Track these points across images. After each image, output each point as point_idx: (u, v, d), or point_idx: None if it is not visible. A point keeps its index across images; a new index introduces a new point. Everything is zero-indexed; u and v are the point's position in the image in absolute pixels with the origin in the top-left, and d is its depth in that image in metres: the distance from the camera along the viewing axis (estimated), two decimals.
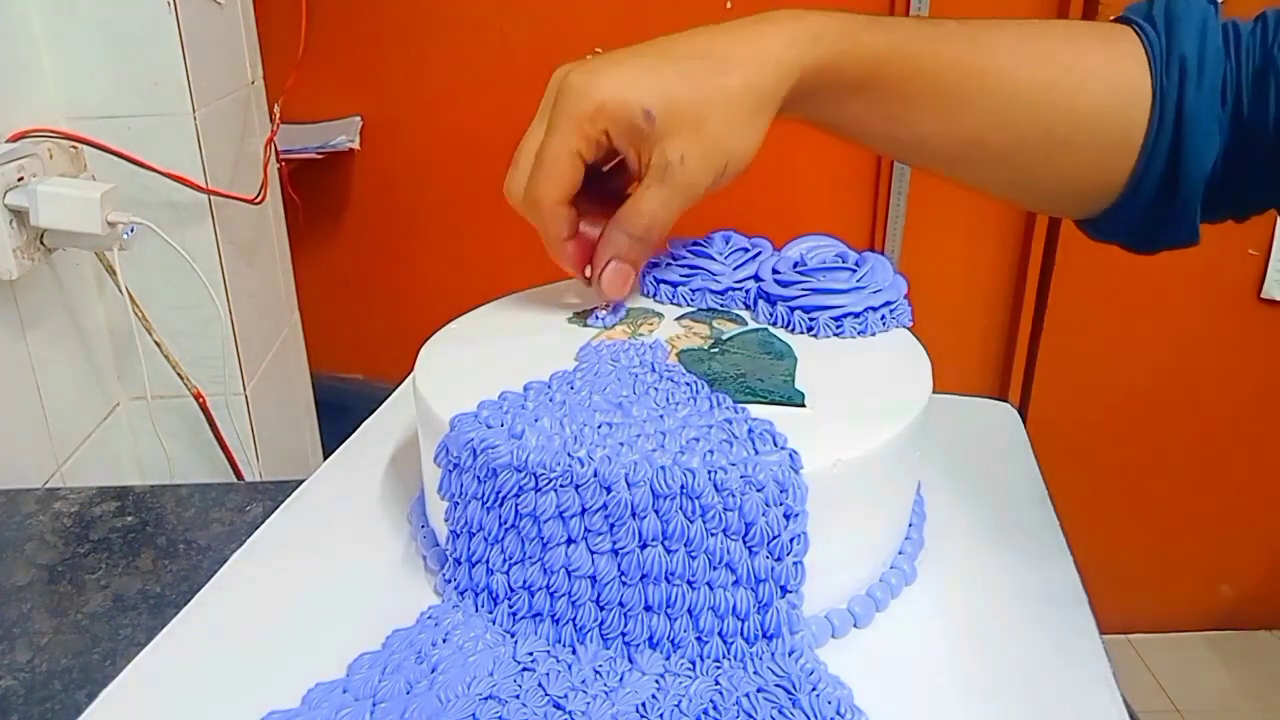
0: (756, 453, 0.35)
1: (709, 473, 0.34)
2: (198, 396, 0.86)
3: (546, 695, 0.33)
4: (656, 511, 0.34)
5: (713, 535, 0.34)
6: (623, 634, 0.35)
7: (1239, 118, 0.45)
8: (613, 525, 0.34)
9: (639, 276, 0.48)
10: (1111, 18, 0.49)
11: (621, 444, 0.35)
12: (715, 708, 0.33)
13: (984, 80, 0.45)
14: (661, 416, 0.37)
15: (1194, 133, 0.44)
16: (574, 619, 0.36)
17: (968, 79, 0.45)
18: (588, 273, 0.46)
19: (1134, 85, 0.45)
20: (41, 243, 0.73)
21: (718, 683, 0.34)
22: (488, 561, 0.37)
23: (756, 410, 0.38)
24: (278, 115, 1.01)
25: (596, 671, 0.34)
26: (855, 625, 0.38)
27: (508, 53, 1.43)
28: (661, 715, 0.33)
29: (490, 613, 0.37)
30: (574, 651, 0.35)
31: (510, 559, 0.36)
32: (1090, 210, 0.50)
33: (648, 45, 0.43)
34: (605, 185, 0.46)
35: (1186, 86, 0.44)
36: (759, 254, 0.50)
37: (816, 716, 0.32)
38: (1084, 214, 0.51)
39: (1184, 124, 0.45)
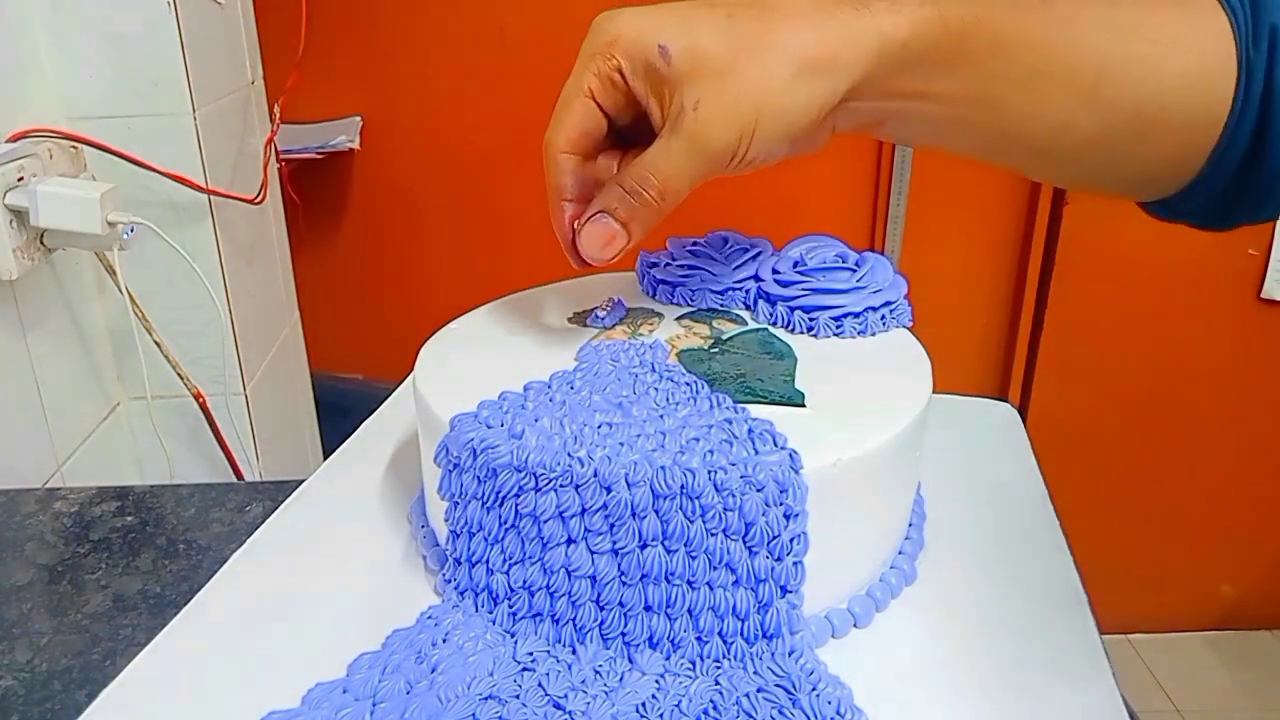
0: (756, 453, 0.35)
1: (709, 473, 0.34)
2: (198, 396, 0.86)
3: (546, 695, 0.33)
4: (656, 511, 0.34)
5: (713, 535, 0.34)
6: (623, 634, 0.35)
7: None
8: (613, 525, 0.34)
9: (629, 244, 0.40)
10: None
11: (621, 444, 0.35)
12: (715, 708, 0.33)
13: (1071, 57, 0.40)
14: (661, 416, 0.37)
15: None
16: (574, 619, 0.36)
17: (1055, 55, 0.40)
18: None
19: (1219, 56, 0.42)
20: (41, 243, 0.73)
21: (718, 683, 0.34)
22: (488, 561, 0.37)
23: (756, 410, 0.38)
24: (278, 115, 1.01)
25: (596, 671, 0.34)
26: (855, 625, 0.38)
27: (508, 53, 1.43)
28: (661, 715, 0.33)
29: (490, 613, 0.37)
30: (574, 651, 0.35)
31: (510, 559, 0.36)
32: (1167, 190, 0.46)
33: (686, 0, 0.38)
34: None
35: (1276, 57, 0.41)
36: (759, 254, 0.50)
37: (816, 716, 0.32)
38: (1160, 195, 0.47)
39: (1273, 96, 0.41)
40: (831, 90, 0.37)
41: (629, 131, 0.41)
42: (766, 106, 0.36)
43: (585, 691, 0.33)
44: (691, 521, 0.34)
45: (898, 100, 0.39)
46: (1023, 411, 1.62)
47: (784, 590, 0.35)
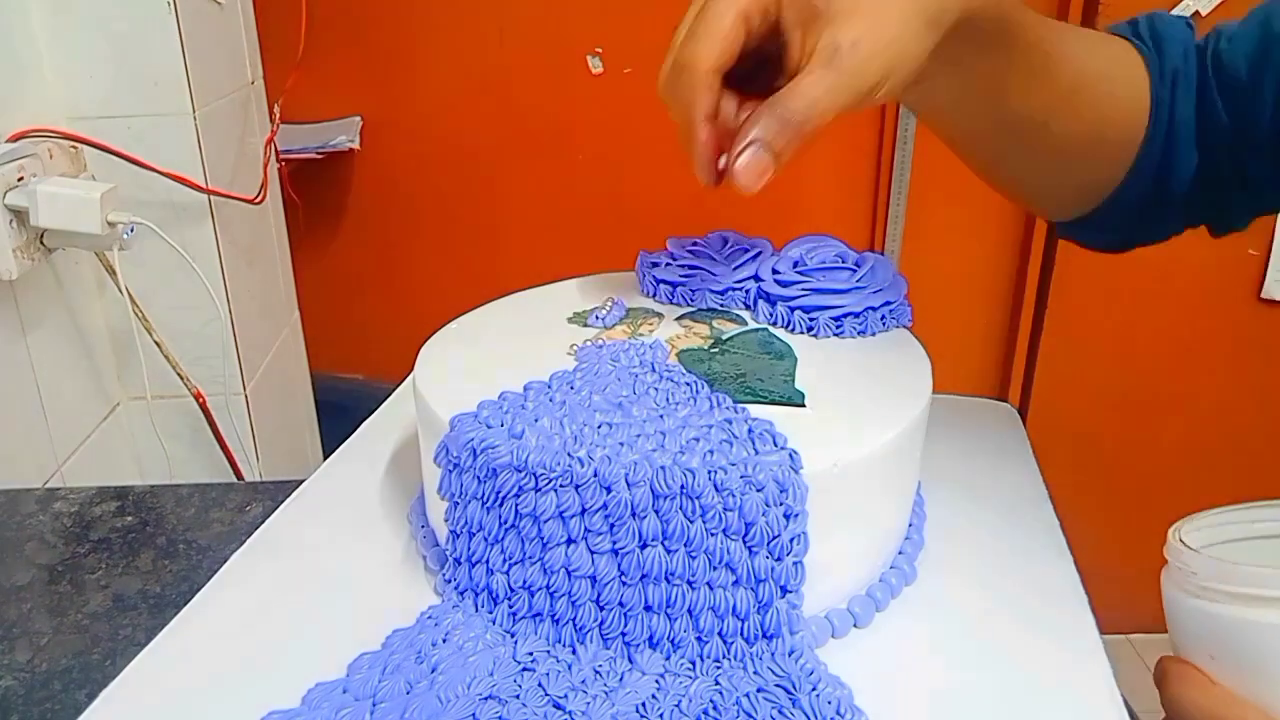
0: (756, 453, 0.35)
1: (709, 473, 0.34)
2: (198, 396, 0.86)
3: (546, 695, 0.33)
4: (656, 511, 0.34)
5: (713, 535, 0.34)
6: (623, 634, 0.35)
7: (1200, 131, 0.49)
8: (613, 525, 0.34)
9: (773, 171, 0.39)
10: (1104, 28, 0.52)
11: (621, 444, 0.35)
12: (715, 708, 0.33)
13: (1061, 64, 0.46)
14: (661, 416, 0.37)
15: (1183, 140, 0.48)
16: (574, 619, 0.36)
17: (1052, 60, 0.45)
18: (720, 165, 0.40)
19: (1142, 90, 0.48)
20: (41, 243, 0.73)
21: (718, 683, 0.34)
22: (488, 561, 0.37)
23: (756, 410, 0.38)
24: (278, 115, 1.02)
25: (596, 671, 0.34)
26: (855, 625, 0.38)
27: (507, 53, 1.43)
28: (661, 715, 0.33)
29: (490, 613, 0.37)
30: (574, 651, 0.35)
31: (510, 559, 0.36)
32: (1079, 210, 0.52)
33: None
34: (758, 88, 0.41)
35: (1178, 98, 0.48)
36: (759, 254, 0.50)
37: (816, 716, 0.32)
38: (1075, 213, 0.53)
39: (1175, 131, 0.48)
40: (937, 38, 0.39)
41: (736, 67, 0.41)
42: (907, 55, 0.38)
43: (585, 691, 0.33)
44: (691, 521, 0.34)
45: (944, 63, 0.41)
46: (1023, 411, 1.62)
47: (784, 590, 0.35)
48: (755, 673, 0.34)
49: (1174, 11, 1.32)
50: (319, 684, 0.35)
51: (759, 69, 0.40)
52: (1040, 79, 0.46)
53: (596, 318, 0.46)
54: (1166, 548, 0.37)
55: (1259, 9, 0.48)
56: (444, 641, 0.36)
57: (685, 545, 0.34)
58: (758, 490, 0.34)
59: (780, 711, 0.33)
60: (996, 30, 0.42)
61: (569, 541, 0.35)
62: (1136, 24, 0.51)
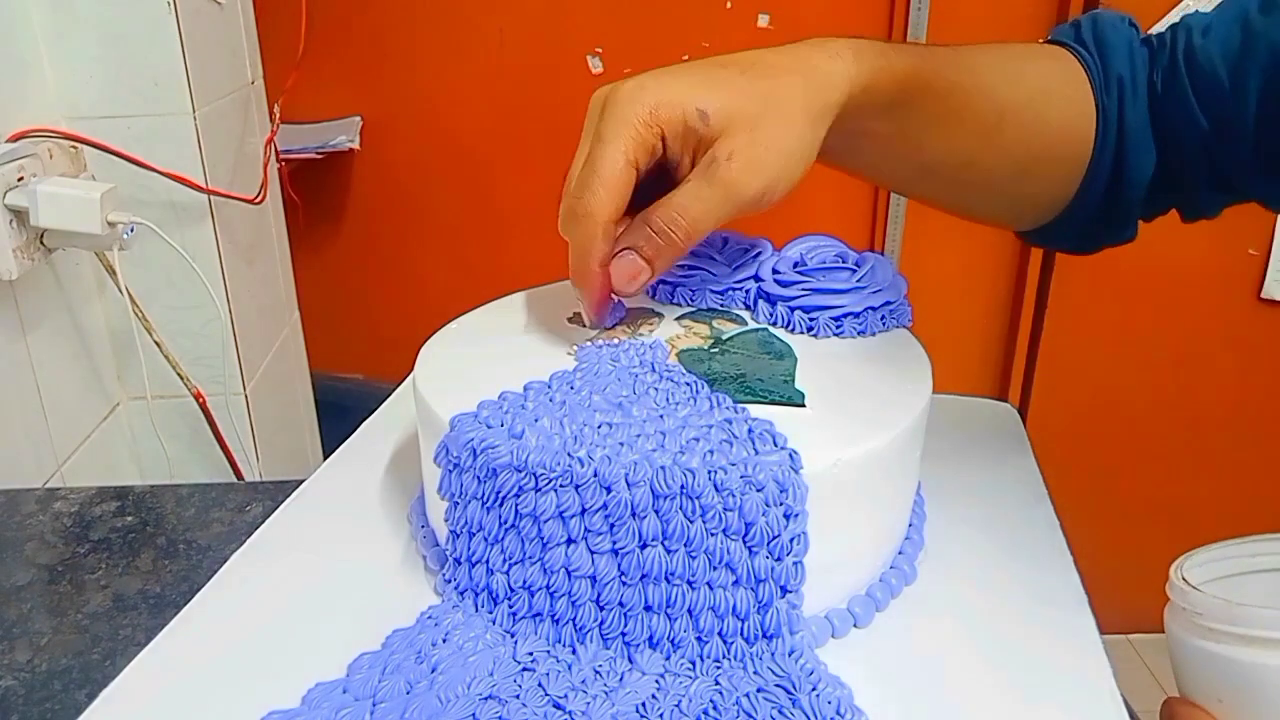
0: (756, 453, 0.35)
1: (709, 473, 0.34)
2: (198, 396, 0.86)
3: (546, 695, 0.33)
4: (656, 511, 0.34)
5: (713, 535, 0.34)
6: (623, 634, 0.35)
7: (1158, 128, 0.48)
8: (613, 525, 0.34)
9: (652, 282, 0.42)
10: (1041, 40, 0.52)
11: (621, 444, 0.35)
12: (715, 708, 0.33)
13: (980, 101, 0.46)
14: (661, 416, 0.37)
15: (1135, 146, 0.48)
16: (574, 619, 0.36)
17: (970, 100, 0.46)
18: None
19: (1083, 103, 0.48)
20: (41, 243, 0.73)
21: (718, 683, 0.34)
22: (488, 561, 0.37)
23: (756, 410, 0.38)
24: (278, 115, 1.01)
25: (596, 671, 0.34)
26: (855, 625, 0.38)
27: (507, 53, 1.43)
28: (661, 715, 0.33)
29: (490, 613, 0.37)
30: (574, 651, 0.35)
31: (510, 559, 0.36)
32: (1041, 220, 0.53)
33: (690, 63, 0.41)
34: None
35: (1125, 104, 0.48)
36: (759, 254, 0.50)
37: (816, 716, 0.32)
38: (1032, 225, 0.54)
39: (1125, 138, 0.48)
40: (824, 131, 0.41)
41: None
42: (790, 155, 0.40)
43: (585, 691, 0.33)
44: (691, 521, 0.34)
45: (845, 138, 0.43)
46: (1023, 411, 1.62)
47: (784, 590, 0.35)
48: (755, 673, 0.34)
49: (1174, 11, 1.32)
50: (319, 684, 0.35)
51: (659, 178, 0.42)
52: (957, 122, 0.46)
53: None
54: (1169, 585, 0.36)
55: (1231, 2, 0.47)
56: (444, 641, 0.36)
57: (685, 545, 0.34)
58: (758, 490, 0.34)
59: (780, 711, 0.33)
60: (896, 92, 0.43)
61: (569, 541, 0.35)
62: (1079, 27, 0.50)
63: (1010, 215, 0.54)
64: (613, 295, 0.43)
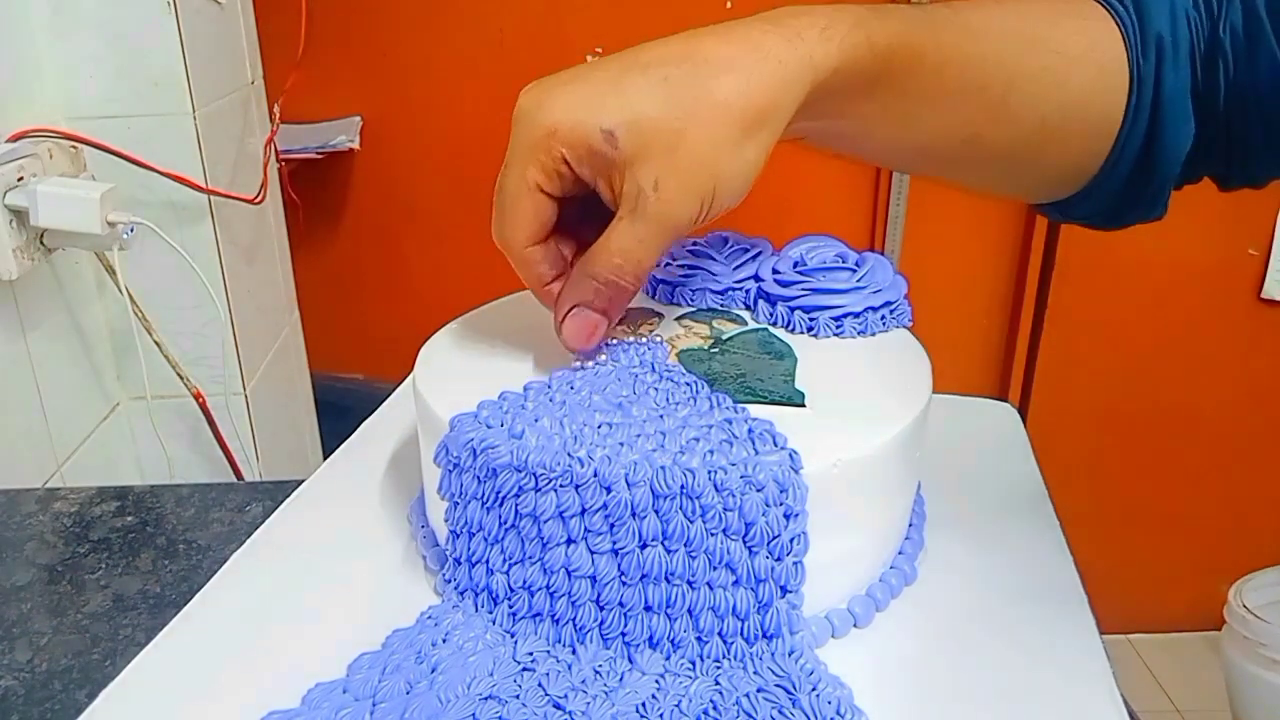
0: (756, 453, 0.35)
1: (709, 473, 0.34)
2: (198, 396, 0.86)
3: (546, 695, 0.33)
4: (656, 511, 0.34)
5: (713, 535, 0.34)
6: (623, 634, 0.35)
7: (1195, 95, 0.43)
8: (613, 525, 0.34)
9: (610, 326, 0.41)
10: None
11: (621, 444, 0.35)
12: (715, 708, 0.33)
13: (983, 71, 0.41)
14: (661, 416, 0.37)
15: (1172, 114, 0.43)
16: (574, 619, 0.36)
17: (969, 70, 0.41)
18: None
19: (1114, 68, 0.43)
20: (41, 243, 0.73)
21: (718, 683, 0.34)
22: (488, 561, 0.37)
23: (756, 410, 0.38)
24: (278, 115, 1.02)
25: (596, 671, 0.34)
26: (855, 625, 0.38)
27: (507, 52, 1.43)
28: (661, 715, 0.33)
29: (490, 613, 0.37)
30: (574, 651, 0.35)
31: (510, 559, 0.36)
32: (1063, 194, 0.48)
33: (615, 56, 0.37)
34: (607, 213, 0.39)
35: (1164, 68, 0.43)
36: (759, 254, 0.50)
37: (816, 716, 0.32)
38: (1055, 198, 0.49)
39: (1161, 106, 0.43)
40: (773, 136, 0.36)
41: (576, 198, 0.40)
42: (722, 172, 0.36)
43: (585, 691, 0.33)
44: (691, 521, 0.34)
45: (821, 120, 0.39)
46: (1023, 411, 1.62)
47: (784, 590, 0.35)
48: (755, 673, 0.34)
49: None
50: (319, 684, 0.35)
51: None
52: (955, 96, 0.41)
53: None
54: (1227, 610, 0.36)
55: None
56: (444, 641, 0.36)
57: (685, 545, 0.34)
58: (758, 490, 0.34)
59: (780, 711, 0.33)
60: (878, 69, 0.38)
61: (569, 541, 0.35)
62: None
63: (1021, 190, 0.49)
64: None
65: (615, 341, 0.44)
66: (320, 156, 1.35)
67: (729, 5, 1.38)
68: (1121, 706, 0.34)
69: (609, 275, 0.37)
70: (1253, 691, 0.30)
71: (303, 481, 0.50)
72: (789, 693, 0.33)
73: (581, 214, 0.40)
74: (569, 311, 0.39)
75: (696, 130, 0.35)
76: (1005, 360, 1.62)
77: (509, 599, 0.37)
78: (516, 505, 0.35)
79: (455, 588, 0.38)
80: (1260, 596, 0.34)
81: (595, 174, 0.36)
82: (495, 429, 0.36)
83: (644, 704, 0.33)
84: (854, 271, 0.47)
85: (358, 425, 0.55)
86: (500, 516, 0.36)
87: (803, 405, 0.39)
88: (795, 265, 0.48)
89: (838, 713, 0.33)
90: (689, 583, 0.34)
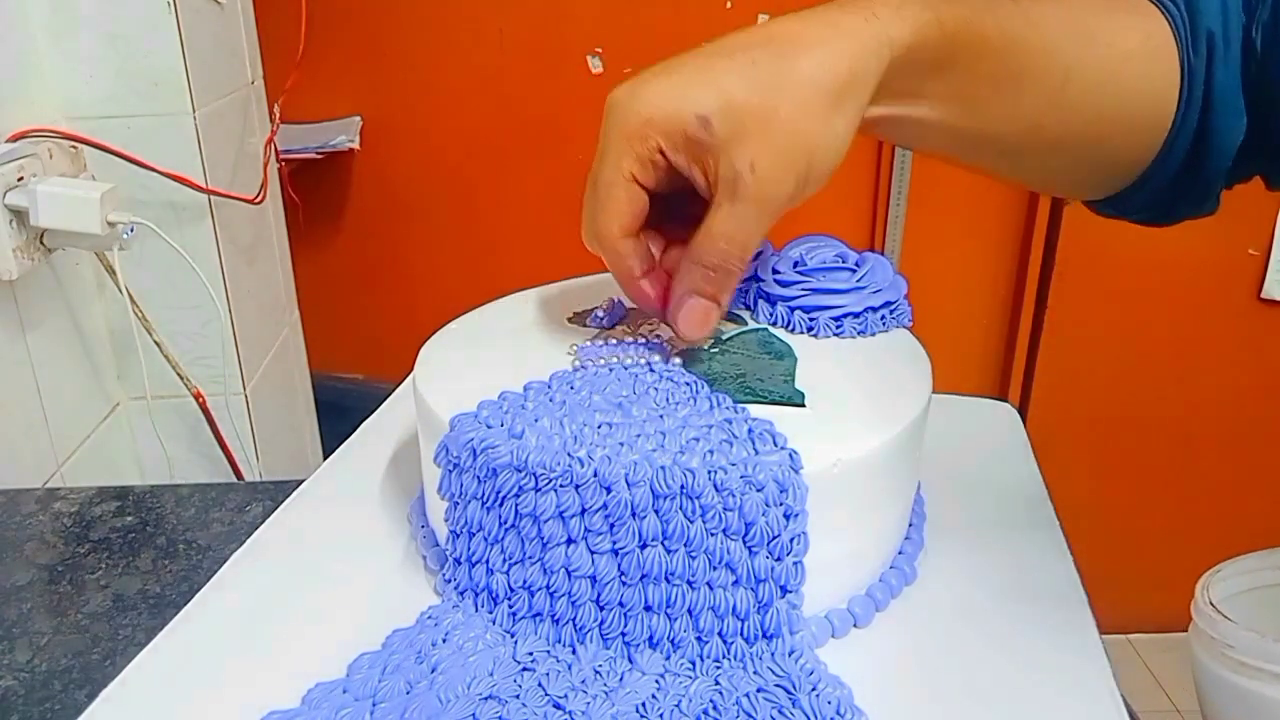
0: (756, 453, 0.35)
1: (709, 473, 0.34)
2: (198, 396, 0.86)
3: (546, 695, 0.33)
4: (656, 511, 0.34)
5: (713, 535, 0.34)
6: (623, 634, 0.35)
7: (1249, 91, 0.44)
8: (613, 525, 0.34)
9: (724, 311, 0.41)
10: None
11: (621, 444, 0.35)
12: (715, 708, 0.33)
13: (1044, 60, 0.42)
14: (661, 416, 0.37)
15: (1223, 110, 0.43)
16: (574, 619, 0.36)
17: (1030, 58, 0.41)
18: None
19: (1166, 63, 0.44)
20: (41, 243, 0.73)
21: (718, 683, 0.34)
22: (488, 561, 0.37)
23: (756, 410, 0.38)
24: (278, 115, 1.02)
25: (596, 671, 0.34)
26: (855, 625, 0.38)
27: (506, 53, 1.43)
28: (661, 715, 0.33)
29: (490, 613, 0.37)
30: (574, 651, 0.35)
31: (510, 559, 0.36)
32: (1114, 189, 0.48)
33: (699, 49, 0.38)
34: (693, 210, 0.40)
35: (1214, 64, 0.43)
36: (759, 254, 0.50)
37: (816, 716, 0.32)
38: (1106, 194, 0.49)
39: (1212, 102, 0.43)
40: (858, 109, 0.37)
41: (662, 195, 0.40)
42: (815, 146, 0.36)
43: (585, 691, 0.33)
44: (691, 521, 0.34)
45: (894, 102, 0.40)
46: (1023, 411, 1.62)
47: (784, 590, 0.35)
48: (755, 673, 0.34)
49: None
50: (319, 684, 0.35)
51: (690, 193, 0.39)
52: (1018, 83, 0.42)
53: (596, 318, 0.46)
54: (1194, 608, 0.35)
55: None
56: (444, 641, 0.36)
57: (685, 545, 0.34)
58: (758, 490, 0.34)
59: (780, 711, 0.33)
60: (947, 50, 0.39)
61: (569, 541, 0.35)
62: None
63: (1078, 182, 0.49)
64: (651, 298, 0.41)
65: (615, 341, 0.44)
66: (320, 156, 1.35)
67: (729, 5, 1.38)
68: (1121, 706, 0.34)
69: (716, 260, 0.38)
70: (1219, 692, 0.30)
71: (303, 481, 0.50)
72: (789, 693, 0.33)
73: (665, 213, 0.40)
74: (683, 298, 0.39)
75: (787, 107, 0.36)
76: (1005, 360, 1.62)
77: (509, 599, 0.37)
78: (516, 505, 0.35)
79: (455, 588, 0.38)
80: (1230, 586, 0.34)
81: (691, 161, 0.37)
82: (495, 429, 0.37)
83: (644, 704, 0.33)
84: (854, 271, 0.47)
85: (358, 425, 0.55)
86: (500, 516, 0.36)
87: (803, 405, 0.39)
88: (795, 265, 0.48)
89: (838, 713, 0.33)
90: (689, 583, 0.34)
